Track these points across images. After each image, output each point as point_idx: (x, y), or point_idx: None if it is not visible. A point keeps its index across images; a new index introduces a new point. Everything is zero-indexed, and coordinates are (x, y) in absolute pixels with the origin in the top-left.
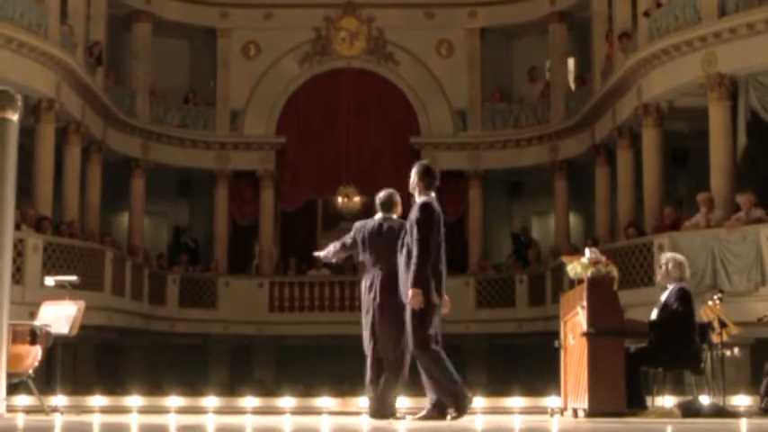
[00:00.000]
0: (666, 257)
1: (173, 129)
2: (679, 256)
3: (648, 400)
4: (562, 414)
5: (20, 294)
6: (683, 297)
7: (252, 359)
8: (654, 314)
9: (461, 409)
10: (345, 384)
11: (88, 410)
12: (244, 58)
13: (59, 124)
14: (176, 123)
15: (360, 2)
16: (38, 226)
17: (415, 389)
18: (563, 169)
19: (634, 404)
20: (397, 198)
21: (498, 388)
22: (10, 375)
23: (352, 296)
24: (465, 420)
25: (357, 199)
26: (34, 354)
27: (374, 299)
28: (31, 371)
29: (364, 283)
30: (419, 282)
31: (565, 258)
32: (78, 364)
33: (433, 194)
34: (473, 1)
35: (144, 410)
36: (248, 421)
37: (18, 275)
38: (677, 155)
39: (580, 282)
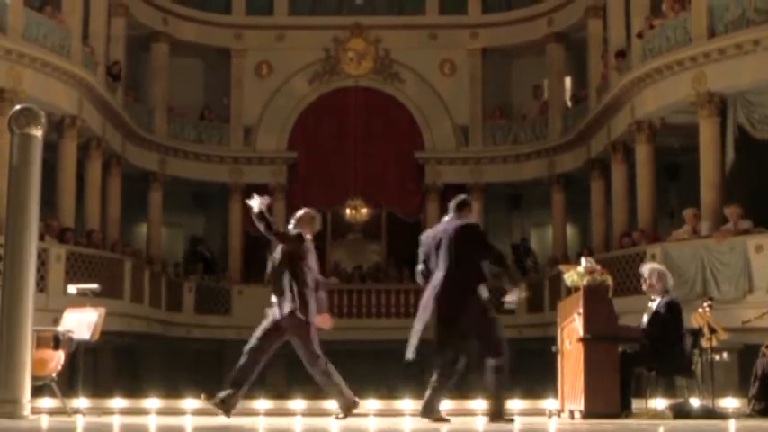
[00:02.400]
0: (648, 270)
1: (189, 144)
2: (660, 267)
3: (641, 403)
4: (559, 415)
5: (44, 302)
6: (673, 309)
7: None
8: (644, 319)
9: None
10: (353, 387)
11: (108, 412)
12: (256, 77)
13: (81, 140)
14: (192, 139)
15: (367, 24)
16: (61, 237)
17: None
18: (560, 183)
19: (621, 404)
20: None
21: None
22: (34, 378)
23: (359, 303)
24: (468, 421)
25: (364, 211)
26: (57, 358)
27: None
28: (54, 374)
29: None
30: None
31: (562, 267)
32: (99, 368)
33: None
34: (475, 23)
35: (161, 412)
36: (261, 422)
37: (42, 284)
38: (669, 169)
39: (577, 290)
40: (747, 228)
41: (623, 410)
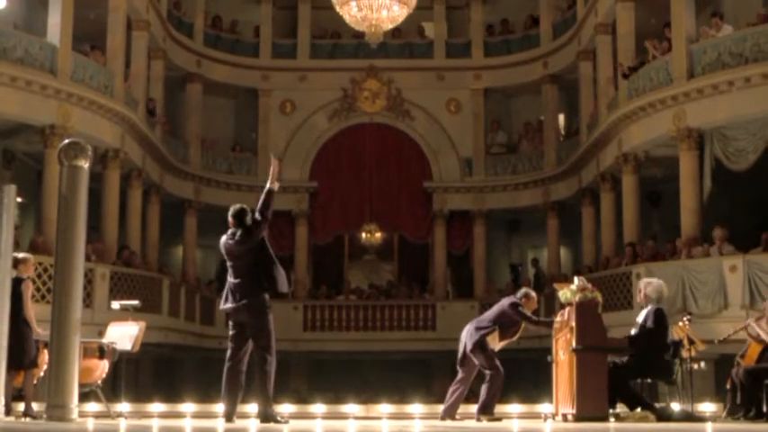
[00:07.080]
0: (645, 281)
1: (221, 174)
2: (656, 281)
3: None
4: (554, 418)
5: (90, 316)
6: (659, 317)
7: (288, 372)
8: (633, 332)
9: None
10: (368, 393)
11: (148, 415)
12: (281, 114)
13: (123, 171)
14: (224, 170)
15: (381, 66)
16: (105, 257)
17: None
18: (554, 209)
19: (646, 407)
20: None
21: (499, 396)
22: (81, 385)
23: (373, 318)
24: (471, 423)
25: (378, 235)
26: (102, 367)
27: None
28: (99, 382)
29: None
30: None
31: (556, 285)
32: (140, 376)
33: None
34: (478, 65)
35: (196, 415)
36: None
37: (88, 300)
38: (652, 197)
39: (569, 305)
40: (730, 251)
41: (651, 409)
